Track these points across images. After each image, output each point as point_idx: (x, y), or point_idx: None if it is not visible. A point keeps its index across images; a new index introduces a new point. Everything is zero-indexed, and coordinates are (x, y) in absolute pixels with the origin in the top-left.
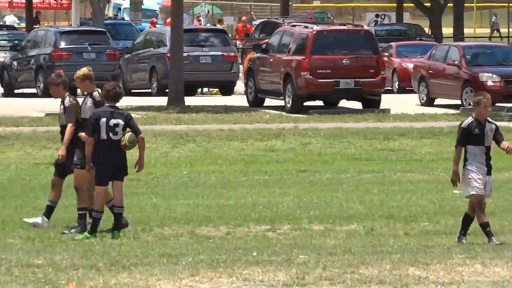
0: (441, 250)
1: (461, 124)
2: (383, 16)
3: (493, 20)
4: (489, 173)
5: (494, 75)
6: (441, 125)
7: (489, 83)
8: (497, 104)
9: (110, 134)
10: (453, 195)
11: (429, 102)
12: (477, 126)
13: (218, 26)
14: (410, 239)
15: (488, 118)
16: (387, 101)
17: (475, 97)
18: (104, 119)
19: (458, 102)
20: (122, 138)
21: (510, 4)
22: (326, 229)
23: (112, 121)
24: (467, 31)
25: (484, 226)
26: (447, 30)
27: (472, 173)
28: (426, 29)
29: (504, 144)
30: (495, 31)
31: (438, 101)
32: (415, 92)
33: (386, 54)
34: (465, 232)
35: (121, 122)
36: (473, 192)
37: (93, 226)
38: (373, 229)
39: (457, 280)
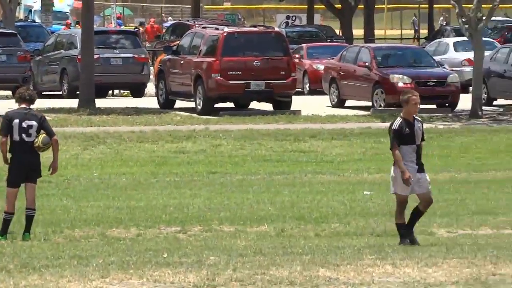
0: (352, 251)
1: (391, 126)
2: (294, 18)
3: (411, 21)
4: (420, 170)
5: (405, 77)
6: (351, 126)
7: (400, 84)
8: None
9: (23, 136)
10: (363, 196)
11: (340, 104)
12: (406, 125)
13: (141, 29)
14: (321, 240)
15: (415, 116)
16: (298, 102)
17: (403, 96)
18: (17, 121)
19: (369, 103)
20: (36, 140)
21: (421, 6)
22: (237, 231)
23: (26, 123)
24: (377, 32)
25: (400, 227)
26: (358, 32)
27: None
28: (337, 31)
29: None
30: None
31: (349, 103)
32: (326, 94)
33: (297, 55)
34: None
35: (34, 123)
36: (397, 191)
37: (3, 228)
38: (283, 230)
39: (368, 281)
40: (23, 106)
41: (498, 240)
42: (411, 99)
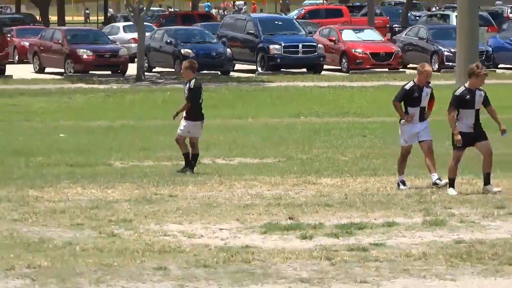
0: (52, 177)
1: None
2: (6, 7)
3: (86, 12)
4: None
5: (88, 51)
6: (49, 86)
7: (84, 56)
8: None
9: None
10: (60, 137)
11: (41, 71)
12: None
13: None
14: (30, 169)
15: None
16: (10, 69)
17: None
18: None
19: (62, 70)
20: None
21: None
22: None
23: None
24: (67, 18)
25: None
26: (53, 18)
27: None
28: (38, 17)
29: None
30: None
31: (47, 70)
32: (31, 63)
33: (9, 35)
34: None
35: None
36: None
37: None
38: (3, 161)
39: (64, 198)
40: None
41: (158, 170)
42: None
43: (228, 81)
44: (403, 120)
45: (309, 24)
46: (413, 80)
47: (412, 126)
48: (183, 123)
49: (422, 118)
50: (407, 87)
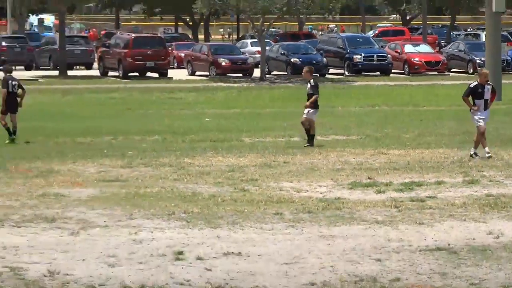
0: (201, 149)
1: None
2: (168, 29)
3: (228, 30)
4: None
5: (226, 59)
6: (200, 85)
7: (223, 63)
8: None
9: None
10: (206, 121)
11: (193, 74)
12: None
13: (101, 35)
14: (185, 144)
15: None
16: (171, 73)
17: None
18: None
19: (207, 73)
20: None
21: (232, 23)
22: (143, 139)
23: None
24: (214, 37)
25: None
26: (201, 36)
27: None
28: (190, 36)
29: None
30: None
31: (197, 73)
32: (185, 68)
33: (170, 48)
34: None
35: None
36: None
37: None
38: (166, 138)
39: (209, 164)
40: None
41: (276, 144)
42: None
43: (325, 81)
44: (473, 110)
45: (381, 40)
46: (476, 81)
47: (479, 113)
48: (305, 110)
49: (486, 107)
50: (472, 85)
